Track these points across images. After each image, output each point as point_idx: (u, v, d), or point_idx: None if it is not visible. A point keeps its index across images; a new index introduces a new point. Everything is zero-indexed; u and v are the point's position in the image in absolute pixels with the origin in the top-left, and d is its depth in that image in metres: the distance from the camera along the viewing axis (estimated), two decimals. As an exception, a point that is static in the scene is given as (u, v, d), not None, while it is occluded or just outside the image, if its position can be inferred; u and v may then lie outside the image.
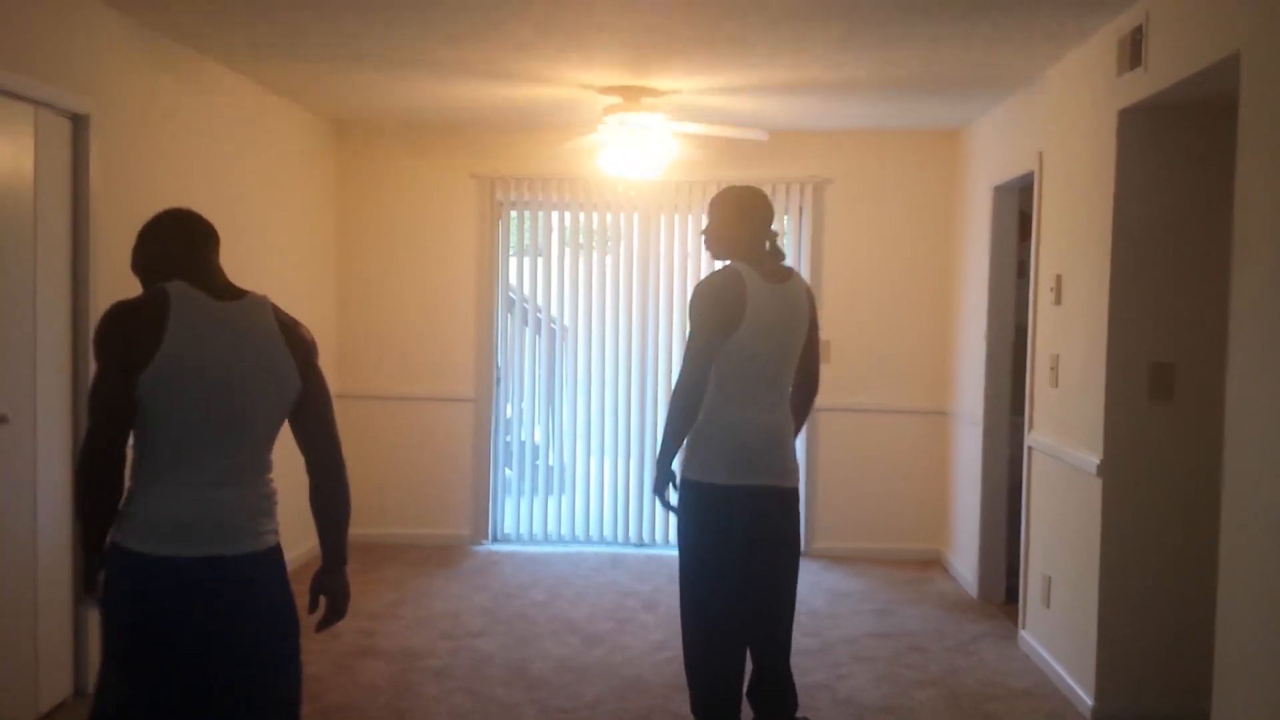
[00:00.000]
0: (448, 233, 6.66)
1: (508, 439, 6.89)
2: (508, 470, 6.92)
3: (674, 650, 4.75)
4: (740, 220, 3.35)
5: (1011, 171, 5.29)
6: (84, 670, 4.07)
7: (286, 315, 2.53)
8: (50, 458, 3.87)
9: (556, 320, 6.89)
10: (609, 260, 6.80)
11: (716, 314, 3.20)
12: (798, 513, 3.44)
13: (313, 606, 2.57)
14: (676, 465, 3.32)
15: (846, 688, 4.36)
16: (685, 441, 3.29)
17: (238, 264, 5.25)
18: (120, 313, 2.37)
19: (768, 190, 6.51)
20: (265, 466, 2.48)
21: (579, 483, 6.84)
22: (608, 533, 6.78)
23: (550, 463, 6.97)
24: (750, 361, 3.24)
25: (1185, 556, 3.98)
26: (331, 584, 2.55)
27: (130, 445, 2.37)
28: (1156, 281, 4.01)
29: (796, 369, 3.38)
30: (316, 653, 4.60)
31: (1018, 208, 5.59)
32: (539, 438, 6.98)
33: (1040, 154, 4.84)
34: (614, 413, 6.77)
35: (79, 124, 3.99)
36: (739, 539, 3.24)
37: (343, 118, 6.47)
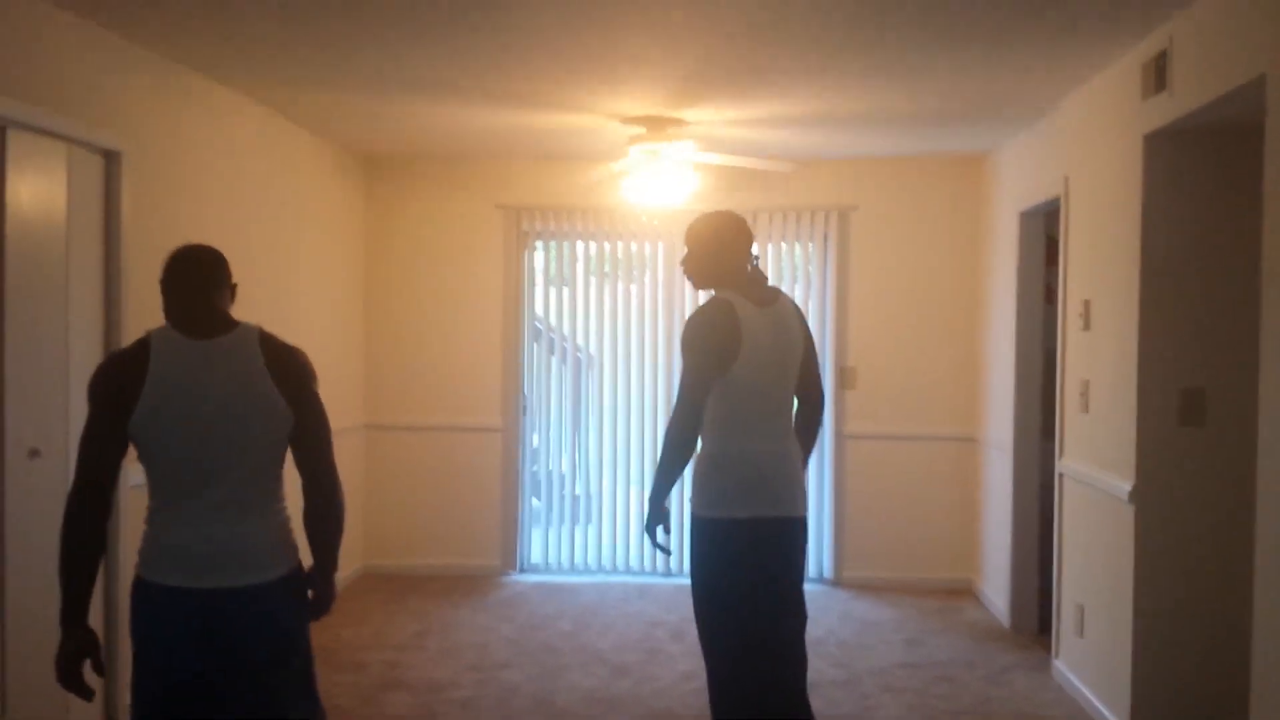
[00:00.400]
0: (474, 263, 6.70)
1: (534, 469, 6.89)
2: (535, 500, 6.92)
3: (702, 681, 4.71)
4: (720, 247, 3.29)
5: (1038, 197, 5.27)
6: (114, 699, 4.09)
7: (279, 344, 2.59)
8: (81, 490, 3.90)
9: (582, 349, 6.91)
10: (634, 289, 6.81)
11: (711, 347, 3.12)
12: (806, 542, 3.40)
13: (310, 608, 2.66)
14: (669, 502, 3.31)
15: (876, 719, 4.31)
16: (693, 478, 3.24)
17: (265, 296, 5.34)
18: (107, 364, 2.56)
19: (793, 218, 6.59)
20: (270, 496, 2.55)
21: (606, 512, 6.83)
22: (634, 562, 6.75)
23: (577, 492, 6.97)
24: (752, 392, 3.18)
25: (1220, 583, 3.92)
26: (318, 587, 2.63)
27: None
28: (1186, 305, 3.97)
29: (796, 390, 3.34)
30: (344, 685, 4.61)
31: (1044, 233, 5.56)
32: (565, 467, 6.98)
33: (1066, 179, 4.81)
34: (640, 441, 6.76)
35: (111, 160, 4.05)
36: (757, 572, 3.19)
37: (370, 150, 6.54)
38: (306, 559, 2.64)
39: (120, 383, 2.45)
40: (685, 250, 3.39)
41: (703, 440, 3.19)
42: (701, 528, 3.22)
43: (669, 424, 3.16)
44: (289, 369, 2.55)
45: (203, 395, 2.45)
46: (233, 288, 2.70)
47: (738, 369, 3.12)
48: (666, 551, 3.37)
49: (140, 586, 2.47)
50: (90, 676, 2.50)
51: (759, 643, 3.22)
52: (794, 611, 3.32)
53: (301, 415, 2.54)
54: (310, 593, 2.63)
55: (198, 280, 2.60)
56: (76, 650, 2.44)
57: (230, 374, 2.49)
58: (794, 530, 3.29)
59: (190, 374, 2.46)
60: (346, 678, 4.70)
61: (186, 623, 2.43)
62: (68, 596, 2.45)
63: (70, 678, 2.45)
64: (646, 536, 3.32)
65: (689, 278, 3.39)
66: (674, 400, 3.18)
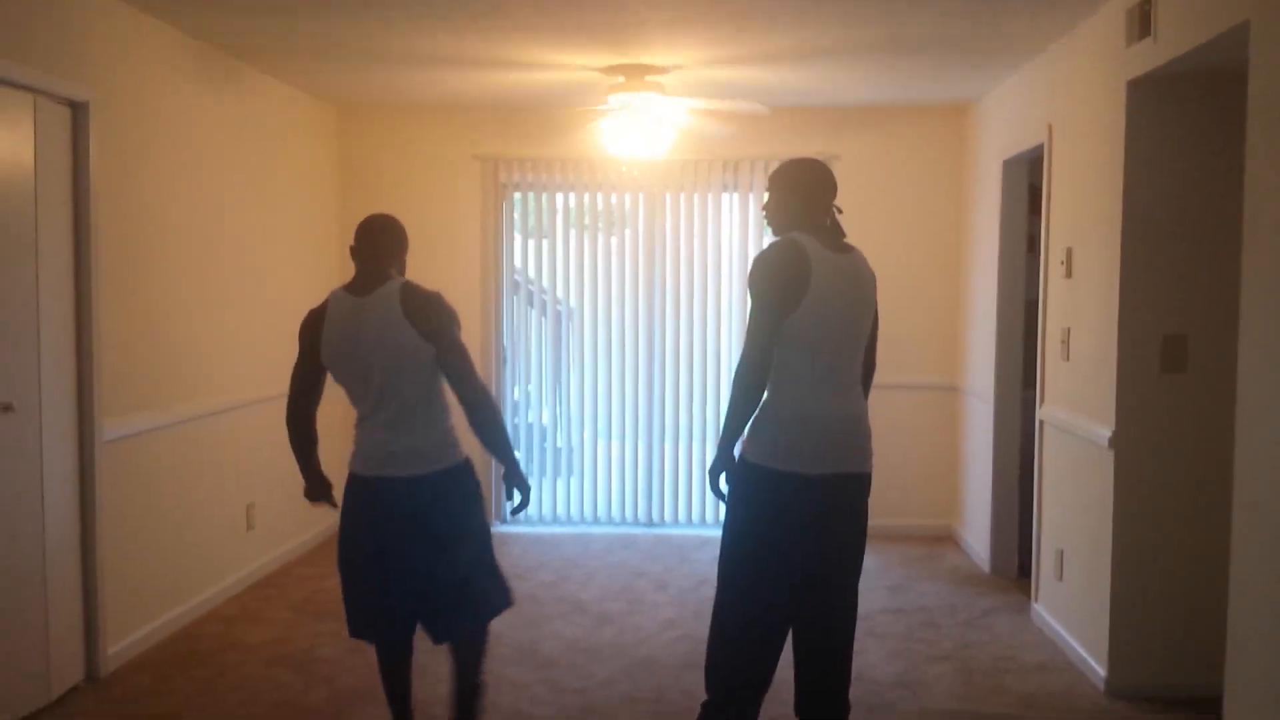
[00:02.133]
0: (452, 216, 6.63)
1: (515, 421, 6.88)
2: (516, 452, 6.90)
3: (685, 629, 4.75)
4: (804, 196, 3.20)
5: (1021, 145, 5.24)
6: (95, 655, 4.08)
7: (417, 293, 3.19)
8: (56, 445, 3.87)
9: (562, 302, 6.87)
10: (614, 241, 6.77)
11: (778, 287, 3.00)
12: (867, 499, 3.27)
13: (508, 497, 3.36)
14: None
15: (859, 664, 4.34)
16: (752, 422, 3.11)
17: (238, 248, 5.27)
18: (306, 317, 3.28)
19: (775, 165, 6.51)
20: (431, 411, 3.21)
21: (587, 464, 6.83)
22: (616, 514, 6.77)
23: (558, 444, 6.97)
24: (822, 337, 3.06)
25: (1198, 528, 3.96)
26: (512, 479, 3.32)
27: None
28: (1168, 253, 3.97)
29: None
30: (328, 634, 4.61)
31: (1027, 181, 5.54)
32: (547, 420, 6.97)
33: (1050, 126, 4.79)
34: (621, 394, 6.76)
35: (78, 112, 3.97)
36: (803, 530, 3.08)
37: (345, 102, 6.44)
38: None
39: (309, 329, 3.23)
40: (767, 195, 3.28)
41: (769, 386, 3.08)
42: (751, 473, 3.11)
43: (738, 368, 3.06)
44: (423, 312, 3.14)
45: (356, 340, 3.13)
46: (404, 247, 3.37)
47: (805, 311, 3.00)
48: (725, 499, 3.18)
49: (349, 478, 3.25)
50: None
51: (788, 600, 3.14)
52: (844, 575, 3.24)
53: (439, 348, 3.15)
54: (511, 492, 3.33)
55: (367, 246, 3.27)
56: (312, 491, 3.37)
57: (375, 322, 3.12)
58: (856, 485, 3.20)
59: (348, 324, 3.15)
60: (330, 627, 4.70)
61: (372, 502, 3.18)
62: (301, 467, 3.36)
63: (313, 502, 3.42)
64: (709, 484, 3.20)
65: (769, 223, 3.28)
66: (741, 343, 3.08)
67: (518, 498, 3.33)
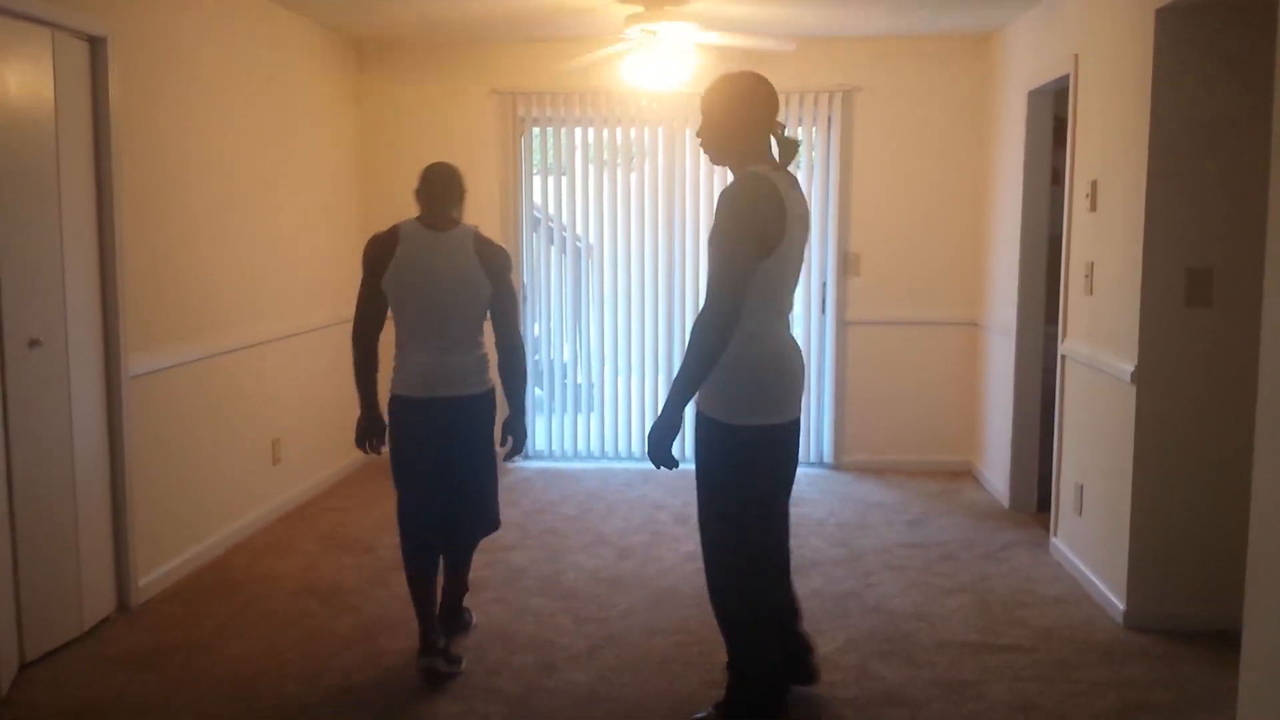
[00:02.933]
0: (469, 151, 6.59)
1: (536, 358, 6.91)
2: (537, 389, 6.95)
3: (705, 562, 4.80)
4: (743, 115, 2.96)
5: (1046, 76, 5.16)
6: (127, 586, 4.17)
7: (487, 241, 3.58)
8: (83, 378, 3.91)
9: (581, 238, 6.85)
10: (633, 176, 6.72)
11: (757, 230, 2.81)
12: None
13: (502, 443, 3.71)
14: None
15: (876, 595, 4.40)
16: (727, 379, 2.92)
17: (260, 183, 5.27)
18: (372, 240, 3.58)
19: (795, 100, 6.46)
20: (476, 342, 3.58)
21: (608, 400, 6.86)
22: (637, 448, 6.81)
23: (579, 380, 6.99)
24: (784, 280, 2.94)
25: (1219, 462, 3.96)
26: (515, 427, 3.70)
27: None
28: (1194, 185, 3.92)
29: None
30: (352, 566, 4.69)
31: (1052, 113, 5.45)
32: (567, 356, 6.99)
33: (1076, 56, 4.70)
34: (641, 330, 6.76)
35: (96, 46, 3.95)
36: (784, 477, 3.15)
37: (361, 34, 6.38)
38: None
39: (381, 252, 3.52)
40: (701, 118, 3.05)
41: (736, 337, 2.87)
42: (736, 434, 2.95)
43: (703, 321, 2.81)
44: (492, 258, 3.54)
45: (431, 270, 3.47)
46: (463, 195, 3.67)
47: (778, 256, 2.86)
48: (674, 466, 2.98)
49: (394, 400, 3.56)
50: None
51: (782, 541, 3.32)
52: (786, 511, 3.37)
53: (497, 291, 3.55)
54: (509, 437, 3.70)
55: (440, 190, 3.58)
56: (368, 427, 3.66)
57: (451, 257, 3.49)
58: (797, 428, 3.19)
59: (424, 255, 3.48)
60: (355, 559, 4.78)
61: (425, 419, 3.52)
62: (360, 394, 3.64)
63: (361, 445, 3.68)
64: (654, 453, 2.95)
65: (706, 150, 3.06)
66: (706, 290, 2.84)
67: (511, 442, 3.71)
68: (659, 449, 2.94)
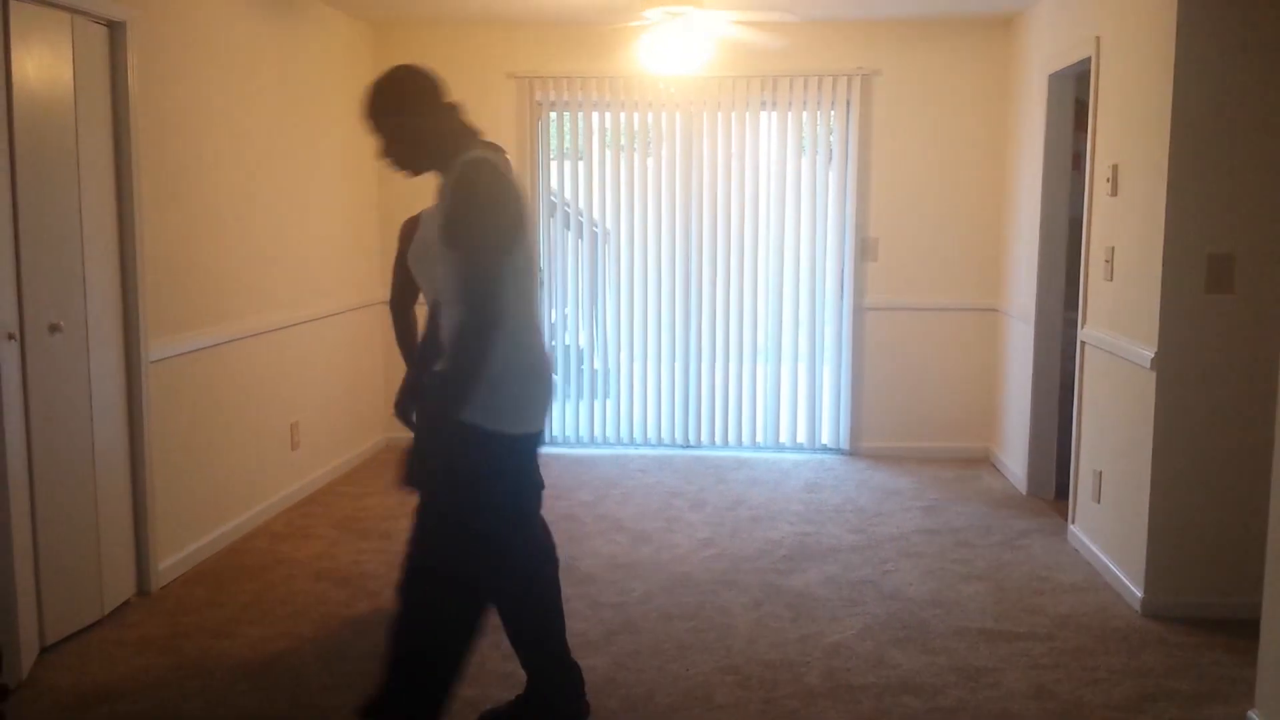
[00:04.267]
0: (487, 135, 6.56)
1: (553, 343, 6.90)
2: (553, 375, 6.95)
3: (721, 548, 4.81)
4: (419, 105, 2.68)
5: (1067, 58, 5.10)
6: (146, 570, 4.20)
7: None
8: (103, 363, 3.94)
9: (599, 223, 6.84)
10: (650, 161, 6.70)
11: (503, 219, 2.55)
12: None
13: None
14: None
15: (893, 582, 4.39)
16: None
17: (278, 168, 5.28)
18: (406, 221, 3.84)
19: (814, 84, 6.42)
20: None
21: (624, 386, 6.86)
22: (653, 435, 6.82)
23: (595, 366, 6.99)
24: (532, 274, 2.70)
25: (1239, 450, 3.92)
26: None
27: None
28: (1216, 170, 3.88)
29: None
30: (372, 551, 4.71)
31: (1074, 96, 5.40)
32: (584, 342, 6.99)
33: (1098, 39, 4.65)
34: (658, 316, 6.75)
35: (115, 31, 3.96)
36: (536, 491, 2.96)
37: (379, 19, 6.38)
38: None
39: (403, 234, 3.83)
40: (381, 140, 2.68)
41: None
42: (489, 441, 2.63)
43: (477, 325, 2.52)
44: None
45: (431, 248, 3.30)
46: None
47: (523, 247, 2.62)
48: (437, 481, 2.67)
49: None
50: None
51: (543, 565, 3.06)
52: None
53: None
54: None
55: None
56: (409, 386, 3.61)
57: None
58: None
59: (430, 235, 3.22)
60: (374, 545, 4.80)
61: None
62: (404, 358, 3.88)
63: (399, 409, 3.61)
64: (402, 477, 2.70)
65: (403, 168, 2.72)
66: (468, 293, 2.52)
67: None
68: (413, 475, 2.70)
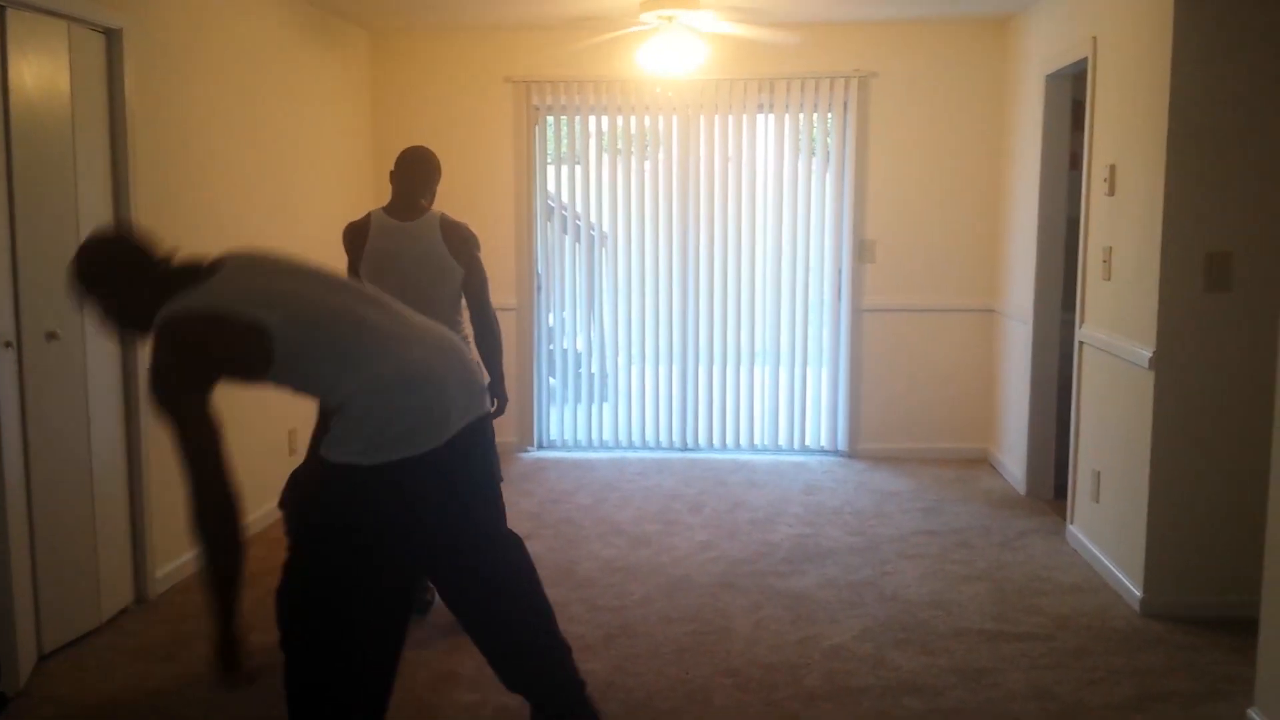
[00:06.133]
0: (484, 140, 6.59)
1: (551, 347, 6.91)
2: (551, 379, 6.95)
3: (719, 551, 4.80)
4: (123, 282, 2.49)
5: (1064, 59, 5.11)
6: (144, 577, 4.19)
7: (452, 222, 3.89)
8: (100, 371, 3.93)
9: (595, 227, 6.84)
10: (648, 165, 6.70)
11: (196, 359, 2.42)
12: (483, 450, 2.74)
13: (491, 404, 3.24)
14: None
15: (892, 584, 4.38)
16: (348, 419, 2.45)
17: (274, 174, 5.28)
18: (347, 228, 3.94)
19: (811, 86, 6.43)
20: (455, 322, 3.88)
21: (622, 390, 6.86)
22: (651, 438, 6.81)
23: (593, 370, 6.99)
24: (327, 319, 2.55)
25: (1238, 449, 3.92)
26: (495, 391, 3.84)
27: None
28: (1214, 168, 3.88)
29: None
30: (370, 558, 4.70)
31: (1070, 96, 5.40)
32: (581, 345, 6.98)
33: (1094, 39, 4.66)
34: (655, 319, 6.75)
35: (112, 38, 3.96)
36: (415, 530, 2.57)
37: (376, 25, 6.38)
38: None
39: (353, 238, 3.89)
40: (96, 311, 2.56)
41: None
42: (342, 476, 2.44)
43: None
44: (458, 239, 3.86)
45: (396, 257, 3.77)
46: (438, 179, 4.02)
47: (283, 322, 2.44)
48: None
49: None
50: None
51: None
52: (498, 570, 2.82)
53: (468, 270, 3.88)
54: (493, 401, 3.65)
55: (406, 174, 3.93)
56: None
57: (418, 245, 3.80)
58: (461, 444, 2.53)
59: (389, 242, 3.81)
60: (372, 552, 4.79)
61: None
62: None
63: None
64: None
65: (125, 333, 2.62)
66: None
67: (494, 405, 3.73)
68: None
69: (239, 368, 2.48)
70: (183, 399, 2.39)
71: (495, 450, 2.99)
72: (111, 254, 2.52)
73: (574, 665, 2.97)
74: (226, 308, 2.40)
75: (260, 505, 5.16)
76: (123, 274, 2.48)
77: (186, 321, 2.38)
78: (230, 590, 2.45)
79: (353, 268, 3.87)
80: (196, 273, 2.49)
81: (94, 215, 3.88)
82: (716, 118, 6.51)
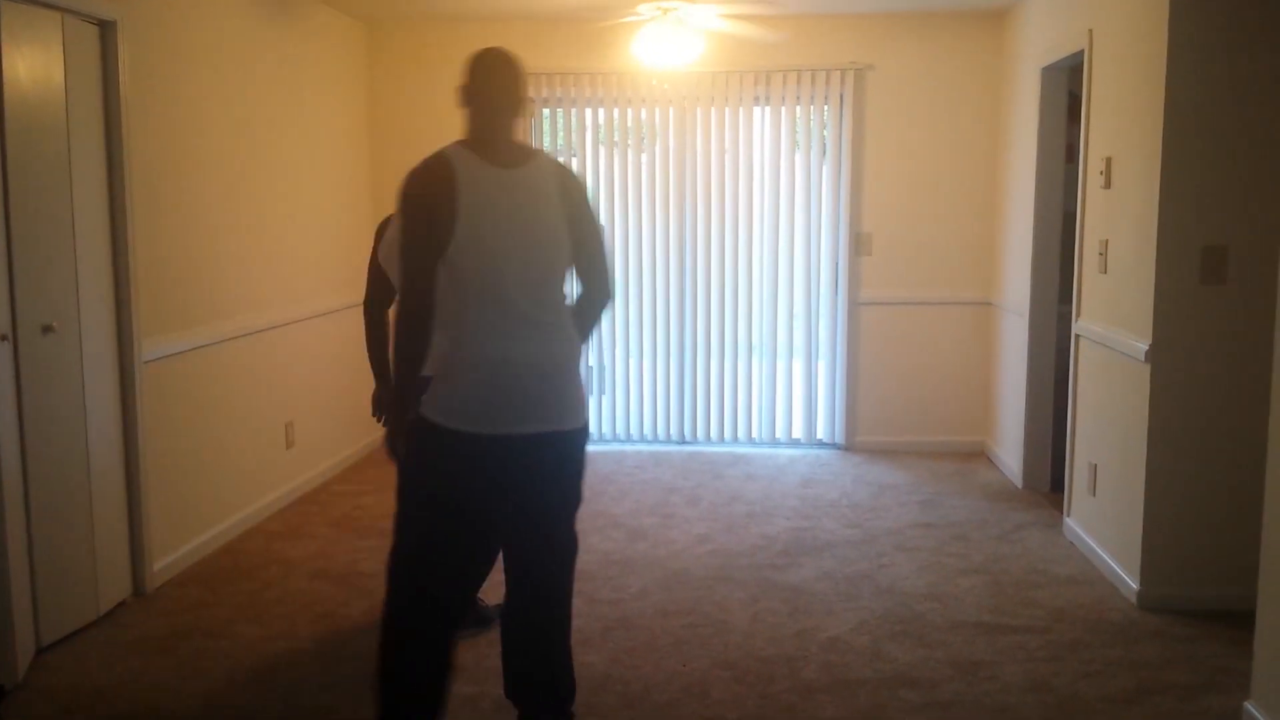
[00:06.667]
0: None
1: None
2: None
3: (717, 544, 4.81)
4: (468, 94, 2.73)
5: (1061, 51, 5.11)
6: (142, 570, 4.19)
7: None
8: (96, 366, 3.93)
9: (593, 219, 6.82)
10: (644, 158, 6.69)
11: (421, 218, 2.58)
12: (571, 460, 2.89)
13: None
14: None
15: (889, 577, 4.39)
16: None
17: (271, 167, 5.27)
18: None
19: (807, 79, 6.42)
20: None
21: (620, 383, 6.86)
22: (649, 431, 6.81)
23: (590, 363, 6.98)
24: (477, 276, 2.64)
25: (1234, 441, 3.93)
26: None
27: None
28: (1210, 162, 3.88)
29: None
30: (368, 549, 4.71)
31: (1067, 89, 5.40)
32: (579, 338, 6.97)
33: (1090, 32, 4.65)
34: (653, 312, 6.74)
35: (106, 30, 3.95)
36: (477, 496, 2.73)
37: (372, 17, 6.36)
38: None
39: (380, 231, 3.53)
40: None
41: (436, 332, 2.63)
42: (424, 432, 2.68)
43: (397, 314, 2.65)
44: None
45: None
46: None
47: (460, 245, 2.58)
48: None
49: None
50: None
51: (453, 576, 2.83)
52: (543, 549, 3.00)
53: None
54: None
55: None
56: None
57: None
58: (546, 446, 2.74)
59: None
60: (371, 543, 4.79)
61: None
62: (371, 363, 3.65)
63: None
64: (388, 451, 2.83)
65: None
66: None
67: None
68: (389, 448, 2.84)
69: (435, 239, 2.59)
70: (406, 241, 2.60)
71: (574, 470, 2.96)
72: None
73: (572, 675, 3.13)
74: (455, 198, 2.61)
75: (260, 498, 5.17)
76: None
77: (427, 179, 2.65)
78: (409, 393, 2.68)
79: (374, 260, 3.58)
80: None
81: (89, 207, 3.87)
82: (713, 110, 6.50)
